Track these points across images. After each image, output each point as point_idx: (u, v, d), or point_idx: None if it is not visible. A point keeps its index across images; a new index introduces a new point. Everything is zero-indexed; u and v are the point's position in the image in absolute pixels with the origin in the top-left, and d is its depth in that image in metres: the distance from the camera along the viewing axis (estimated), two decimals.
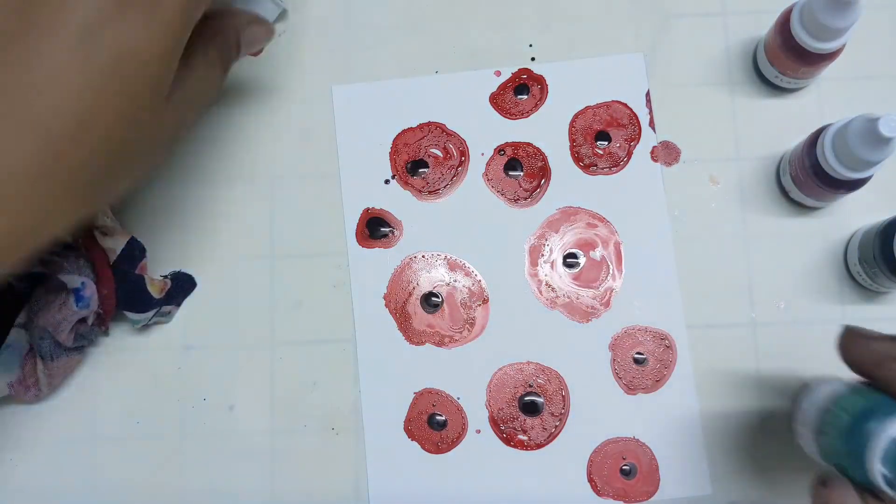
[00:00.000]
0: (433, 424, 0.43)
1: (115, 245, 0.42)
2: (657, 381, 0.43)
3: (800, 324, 0.44)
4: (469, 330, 0.44)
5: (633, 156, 0.46)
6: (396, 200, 0.45)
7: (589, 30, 0.47)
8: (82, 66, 0.27)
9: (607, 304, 0.44)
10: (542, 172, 0.46)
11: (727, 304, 0.44)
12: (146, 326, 0.44)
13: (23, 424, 0.43)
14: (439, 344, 0.44)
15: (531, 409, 0.43)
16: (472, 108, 0.46)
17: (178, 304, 0.44)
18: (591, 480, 0.42)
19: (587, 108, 0.46)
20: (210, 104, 0.35)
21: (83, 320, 0.41)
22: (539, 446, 0.43)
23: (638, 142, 0.46)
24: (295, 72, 0.47)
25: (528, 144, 0.46)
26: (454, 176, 0.46)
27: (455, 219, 0.45)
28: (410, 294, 0.44)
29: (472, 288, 0.44)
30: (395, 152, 0.46)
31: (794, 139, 0.44)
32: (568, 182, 0.46)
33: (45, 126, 0.27)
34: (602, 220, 0.45)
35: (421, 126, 0.46)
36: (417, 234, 0.45)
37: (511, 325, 0.44)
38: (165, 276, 0.44)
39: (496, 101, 0.46)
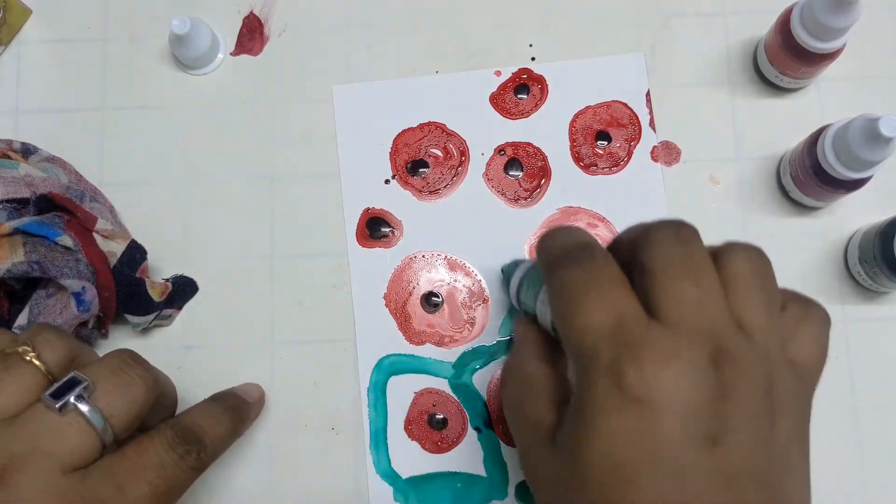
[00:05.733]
0: (433, 424, 0.43)
1: (115, 248, 0.42)
2: None
3: None
4: (469, 330, 0.44)
5: (633, 156, 0.46)
6: (396, 200, 0.45)
7: (589, 30, 0.47)
8: None
9: None
10: (542, 172, 0.46)
11: None
12: (146, 330, 0.44)
13: None
14: (439, 344, 0.44)
15: None
16: (472, 108, 0.46)
17: (180, 308, 0.44)
18: None
19: (587, 108, 0.46)
20: None
21: (83, 324, 0.41)
22: None
23: (638, 142, 0.46)
24: (295, 72, 0.47)
25: (528, 144, 0.46)
26: (454, 176, 0.46)
27: (455, 219, 0.45)
28: (410, 294, 0.44)
29: (472, 288, 0.44)
30: (395, 152, 0.46)
31: (794, 139, 0.44)
32: (568, 182, 0.46)
33: None
34: (602, 219, 0.45)
35: (421, 126, 0.46)
36: (417, 234, 0.45)
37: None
38: (167, 280, 0.44)
39: (496, 101, 0.46)
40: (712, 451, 0.24)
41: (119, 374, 0.32)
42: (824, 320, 0.29)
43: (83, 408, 0.30)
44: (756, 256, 0.28)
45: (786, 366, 0.27)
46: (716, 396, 0.25)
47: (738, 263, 0.27)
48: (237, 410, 0.39)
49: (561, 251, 0.29)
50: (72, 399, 0.30)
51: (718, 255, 0.28)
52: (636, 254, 0.28)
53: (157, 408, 0.34)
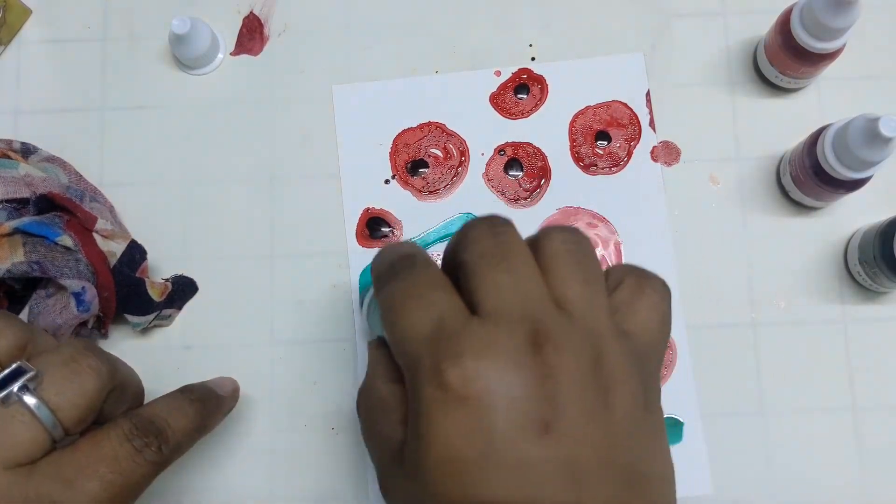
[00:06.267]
0: None
1: (115, 248, 0.42)
2: None
3: (800, 324, 0.44)
4: None
5: (633, 156, 0.46)
6: (396, 200, 0.45)
7: (589, 30, 0.47)
8: None
9: None
10: (542, 172, 0.46)
11: (727, 304, 0.44)
12: (146, 330, 0.44)
13: None
14: None
15: None
16: (472, 108, 0.46)
17: (179, 308, 0.44)
18: None
19: (587, 107, 0.46)
20: None
21: (83, 323, 0.41)
22: None
23: (638, 142, 0.46)
24: (295, 72, 0.47)
25: (528, 144, 0.46)
26: (454, 176, 0.46)
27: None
28: None
29: None
30: (395, 152, 0.46)
31: (794, 139, 0.44)
32: (568, 182, 0.45)
33: None
34: (602, 219, 0.45)
35: (421, 126, 0.46)
36: (417, 234, 0.45)
37: None
38: (167, 280, 0.44)
39: (496, 101, 0.46)
40: (547, 437, 0.23)
41: (70, 363, 0.30)
42: (660, 290, 0.28)
43: (29, 400, 0.29)
44: (570, 236, 0.28)
45: (616, 338, 0.26)
46: (539, 380, 0.24)
47: (553, 245, 0.27)
48: (205, 403, 0.36)
49: (386, 268, 0.28)
50: (15, 390, 0.28)
51: (535, 241, 0.27)
52: (456, 255, 0.27)
53: (117, 400, 0.32)
